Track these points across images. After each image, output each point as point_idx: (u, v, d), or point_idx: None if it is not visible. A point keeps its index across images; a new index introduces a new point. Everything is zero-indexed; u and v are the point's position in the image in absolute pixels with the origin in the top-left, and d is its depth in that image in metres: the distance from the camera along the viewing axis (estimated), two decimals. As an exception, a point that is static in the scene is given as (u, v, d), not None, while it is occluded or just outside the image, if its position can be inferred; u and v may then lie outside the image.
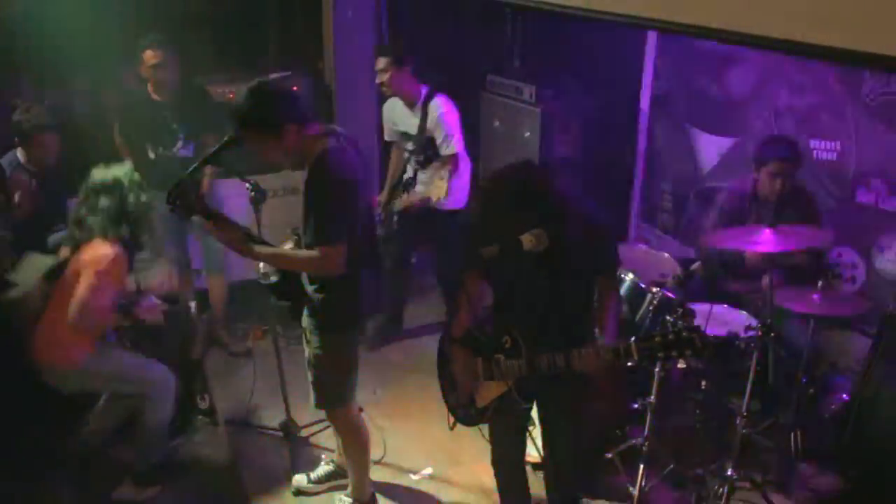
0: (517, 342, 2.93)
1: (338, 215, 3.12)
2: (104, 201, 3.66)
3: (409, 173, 5.04)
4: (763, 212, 4.11)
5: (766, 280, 3.70)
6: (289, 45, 6.06)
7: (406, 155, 5.07)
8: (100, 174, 3.74)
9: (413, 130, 4.94)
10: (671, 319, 3.81)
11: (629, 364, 3.89)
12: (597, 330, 3.01)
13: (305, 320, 3.45)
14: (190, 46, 5.23)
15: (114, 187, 3.69)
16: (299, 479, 4.02)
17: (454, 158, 4.84)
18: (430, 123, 4.85)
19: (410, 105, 4.94)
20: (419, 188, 4.97)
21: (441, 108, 4.83)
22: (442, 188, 4.58)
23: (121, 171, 3.77)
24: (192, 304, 4.90)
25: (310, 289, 3.34)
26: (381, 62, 4.85)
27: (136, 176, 3.80)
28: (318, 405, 3.59)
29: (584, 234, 2.87)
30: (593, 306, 3.06)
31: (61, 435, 3.94)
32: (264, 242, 3.30)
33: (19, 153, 4.45)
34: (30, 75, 5.37)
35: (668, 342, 2.61)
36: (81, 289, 3.56)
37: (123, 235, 3.67)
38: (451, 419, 3.24)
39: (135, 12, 5.20)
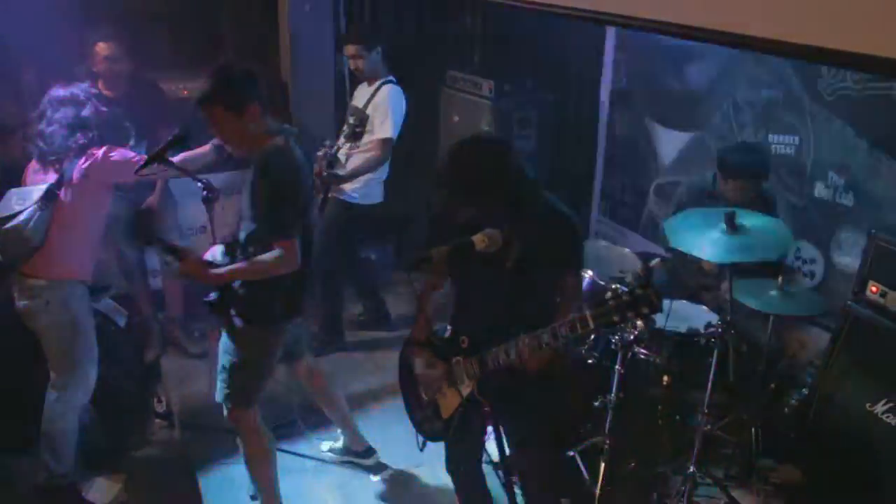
0: (473, 342, 2.87)
1: (292, 210, 3.16)
2: (60, 113, 3.57)
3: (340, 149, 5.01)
4: None
5: (724, 283, 3.69)
6: (244, 39, 5.95)
7: (345, 127, 5.04)
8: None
9: (361, 104, 4.97)
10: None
11: (589, 361, 3.95)
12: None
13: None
14: (142, 41, 5.10)
15: (70, 99, 3.61)
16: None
17: (385, 144, 4.83)
18: (376, 100, 4.87)
19: (370, 82, 4.98)
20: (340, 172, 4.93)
21: (391, 93, 4.85)
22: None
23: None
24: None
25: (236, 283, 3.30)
26: (352, 49, 4.90)
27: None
28: (223, 402, 3.46)
29: (546, 232, 2.79)
30: (554, 304, 2.97)
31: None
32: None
33: None
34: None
35: (622, 303, 2.42)
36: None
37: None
38: (421, 439, 3.19)
39: (84, 7, 5.05)
